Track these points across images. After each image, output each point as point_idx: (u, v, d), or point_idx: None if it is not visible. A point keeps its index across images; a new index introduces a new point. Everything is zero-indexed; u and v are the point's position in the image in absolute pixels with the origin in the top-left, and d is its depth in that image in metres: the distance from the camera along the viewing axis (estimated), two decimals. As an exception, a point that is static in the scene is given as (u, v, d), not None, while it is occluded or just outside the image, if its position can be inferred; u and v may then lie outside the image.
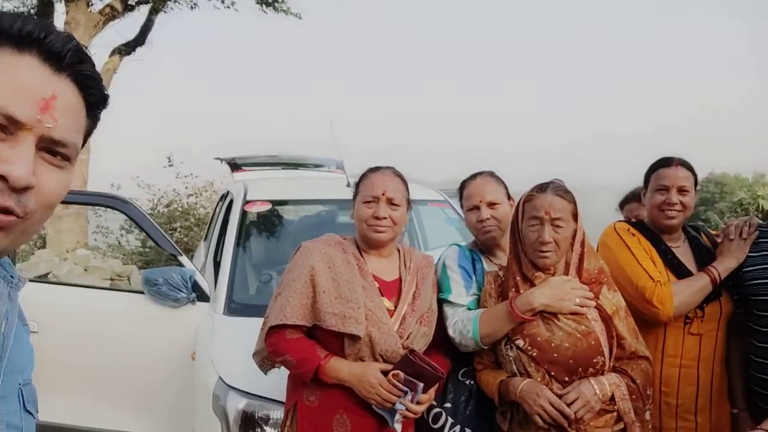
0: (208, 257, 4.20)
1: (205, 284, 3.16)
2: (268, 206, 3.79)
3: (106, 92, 0.81)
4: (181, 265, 3.23)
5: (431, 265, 2.27)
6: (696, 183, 2.33)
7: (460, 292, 2.18)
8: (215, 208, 5.50)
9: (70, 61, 0.73)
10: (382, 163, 2.23)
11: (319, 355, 1.96)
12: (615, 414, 1.90)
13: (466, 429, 2.09)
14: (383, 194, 2.09)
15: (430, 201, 4.25)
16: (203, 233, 7.03)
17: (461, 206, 2.47)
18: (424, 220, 4.65)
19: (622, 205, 3.10)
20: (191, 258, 4.21)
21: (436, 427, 2.12)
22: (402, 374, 1.87)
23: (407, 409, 1.90)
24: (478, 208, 2.30)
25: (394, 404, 1.88)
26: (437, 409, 2.14)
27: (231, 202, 3.95)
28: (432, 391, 1.99)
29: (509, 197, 2.40)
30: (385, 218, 2.07)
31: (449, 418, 2.11)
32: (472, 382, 2.18)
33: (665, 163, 2.33)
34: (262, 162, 5.29)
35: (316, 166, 5.54)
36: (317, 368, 1.93)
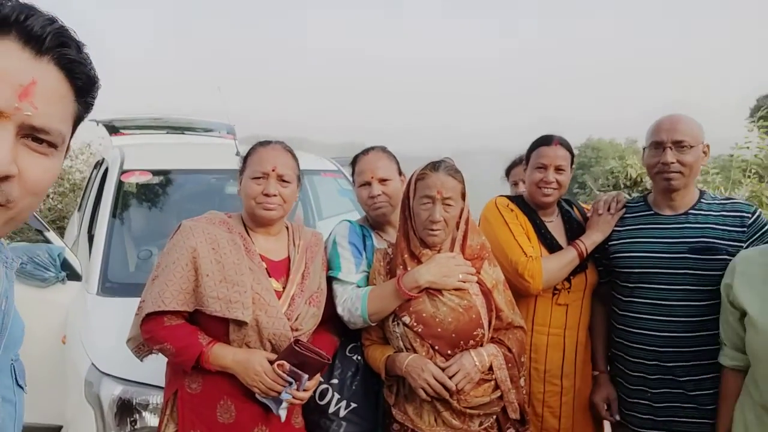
0: (81, 229, 3.87)
1: (76, 262, 2.92)
2: (148, 176, 3.53)
3: (95, 76, 0.78)
4: (48, 241, 2.94)
5: (321, 243, 2.24)
6: (572, 162, 2.46)
7: (350, 270, 2.18)
8: (89, 176, 5.06)
9: (52, 44, 0.70)
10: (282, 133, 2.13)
11: (201, 342, 1.87)
12: (493, 383, 2.01)
13: (352, 404, 2.12)
14: (273, 170, 2.01)
15: (323, 171, 4.19)
16: (79, 200, 6.48)
17: (353, 182, 2.45)
18: (318, 190, 4.59)
19: (508, 171, 3.18)
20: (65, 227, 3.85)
21: (322, 403, 2.13)
22: (287, 364, 1.85)
23: (293, 398, 1.89)
24: (369, 183, 2.29)
25: (279, 393, 1.86)
26: (324, 386, 2.15)
27: (107, 170, 3.64)
28: (318, 376, 1.99)
29: (400, 173, 2.41)
30: (275, 195, 2.00)
31: (336, 393, 2.13)
32: (359, 357, 2.20)
33: (545, 141, 2.44)
34: (144, 125, 4.90)
35: (206, 130, 5.25)
36: (199, 356, 1.85)
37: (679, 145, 2.15)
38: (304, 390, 1.91)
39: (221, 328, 1.90)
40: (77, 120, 0.80)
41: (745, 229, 2.12)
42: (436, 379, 1.92)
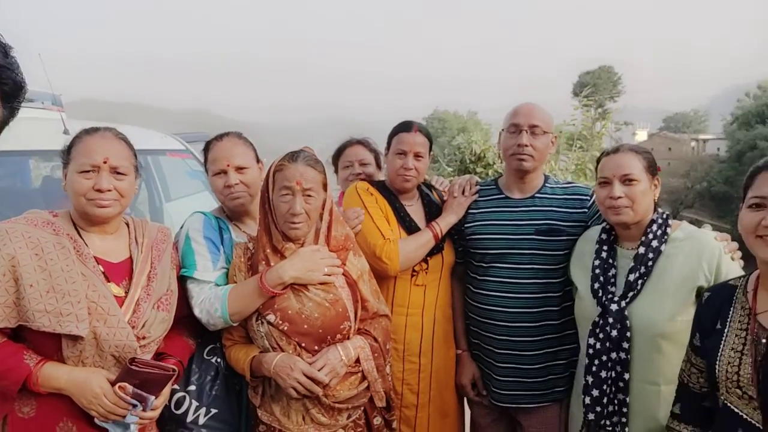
0: None
1: None
2: None
3: (21, 81, 0.78)
4: None
5: (168, 239, 2.03)
6: (431, 148, 2.50)
7: (207, 267, 2.02)
8: None
9: None
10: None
11: (28, 363, 1.63)
12: (360, 374, 2.00)
13: (212, 410, 2.00)
14: (105, 162, 1.77)
15: (169, 151, 3.84)
16: None
17: (205, 170, 2.25)
18: (165, 170, 4.23)
19: (339, 154, 3.01)
20: None
21: (178, 412, 1.98)
22: (129, 386, 1.66)
23: (141, 419, 1.72)
24: (225, 172, 2.14)
25: (123, 417, 1.67)
26: (180, 394, 2.00)
27: None
28: (168, 390, 1.83)
29: (258, 160, 2.27)
30: (109, 190, 1.77)
31: (193, 401, 1.99)
32: (219, 360, 2.07)
33: (405, 127, 2.45)
34: None
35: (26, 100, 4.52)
36: (27, 378, 1.60)
37: (533, 129, 2.29)
38: (153, 409, 1.74)
39: (53, 344, 1.66)
40: (3, 124, 0.80)
41: (586, 210, 2.32)
42: (307, 376, 1.87)
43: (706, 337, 1.62)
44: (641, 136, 48.45)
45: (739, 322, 1.56)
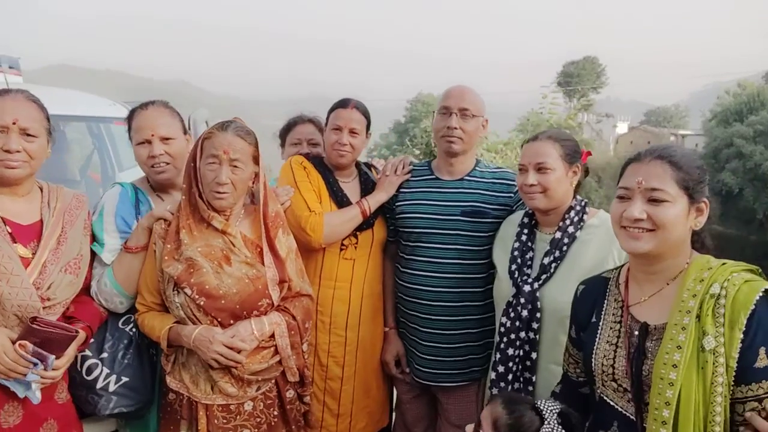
0: None
1: None
2: None
3: None
4: None
5: (83, 206, 2.03)
6: (369, 126, 2.49)
7: (114, 247, 2.05)
8: None
9: None
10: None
11: None
12: (273, 349, 2.01)
13: (122, 378, 1.99)
14: (14, 123, 1.76)
15: (117, 119, 3.77)
16: None
17: (129, 138, 2.21)
18: (117, 139, 4.15)
19: (287, 131, 2.97)
20: None
21: (89, 378, 1.98)
22: (30, 345, 1.67)
23: (42, 378, 1.72)
24: (150, 142, 2.11)
25: (24, 375, 1.67)
26: (93, 360, 1.99)
27: None
28: (72, 351, 1.83)
29: (185, 131, 2.24)
30: (18, 151, 1.77)
31: (105, 368, 1.99)
32: (134, 329, 2.07)
33: (342, 104, 2.45)
34: None
35: None
36: None
37: (463, 112, 2.31)
38: (54, 369, 1.74)
39: None
40: None
41: (512, 195, 2.35)
42: (229, 347, 1.88)
43: (583, 329, 1.65)
44: (622, 128, 48.86)
45: (613, 314, 1.58)
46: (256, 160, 2.01)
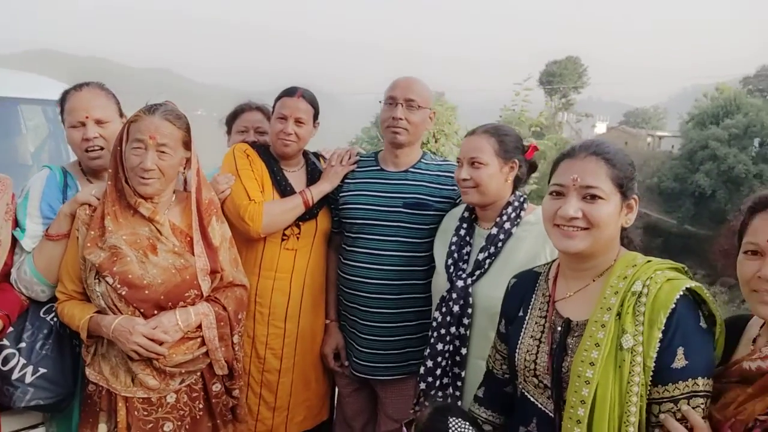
0: None
1: None
2: None
3: None
4: None
5: (8, 189, 1.94)
6: (317, 116, 2.43)
7: (36, 234, 1.96)
8: None
9: None
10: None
11: None
12: (199, 340, 1.94)
13: (40, 369, 1.92)
14: None
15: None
16: None
17: (62, 120, 2.13)
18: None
19: (233, 118, 2.88)
20: None
21: (5, 369, 1.90)
22: None
23: None
24: (83, 124, 2.04)
25: None
26: (10, 350, 1.92)
27: None
28: None
29: (121, 114, 2.16)
30: None
31: (21, 359, 1.91)
32: (55, 319, 1.99)
33: (289, 92, 2.39)
34: None
35: None
36: None
37: (409, 103, 2.26)
38: None
39: None
40: None
41: (456, 188, 2.30)
42: (149, 338, 1.81)
43: (510, 323, 1.62)
44: (600, 128, 49.43)
45: (540, 309, 1.55)
46: (187, 145, 1.94)
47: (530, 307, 1.57)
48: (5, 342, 1.90)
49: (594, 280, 1.47)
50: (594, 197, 1.40)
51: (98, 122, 2.05)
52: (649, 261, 1.43)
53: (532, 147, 2.13)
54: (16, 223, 1.96)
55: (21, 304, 1.92)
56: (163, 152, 1.86)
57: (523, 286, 1.63)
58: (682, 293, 1.34)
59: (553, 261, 1.63)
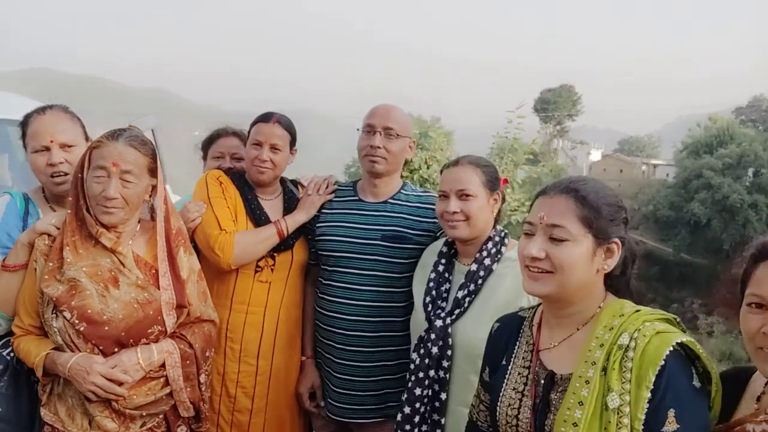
0: None
1: None
2: None
3: None
4: None
5: None
6: (293, 142, 2.35)
7: None
8: None
9: None
10: None
11: None
12: (163, 380, 1.83)
13: None
14: None
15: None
16: None
17: (24, 145, 2.04)
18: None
19: (209, 143, 2.79)
20: None
21: None
22: None
23: None
24: (48, 149, 1.96)
25: None
26: None
27: None
28: None
29: (87, 138, 2.08)
30: None
31: None
32: (12, 354, 1.87)
33: (264, 118, 2.31)
34: None
35: None
36: None
37: (387, 131, 2.19)
38: None
39: None
40: None
41: (436, 220, 2.21)
42: (107, 378, 1.70)
43: (494, 372, 1.50)
44: (595, 156, 49.79)
45: (523, 358, 1.43)
46: (153, 172, 1.86)
47: (513, 355, 1.46)
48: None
49: (578, 329, 1.36)
50: (557, 238, 1.30)
51: (63, 146, 1.98)
52: (637, 311, 1.31)
53: (503, 179, 2.06)
54: None
55: None
56: (127, 180, 1.77)
57: (507, 332, 1.51)
58: (672, 348, 1.21)
59: (538, 305, 1.52)
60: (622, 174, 44.68)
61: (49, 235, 1.83)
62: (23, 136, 2.03)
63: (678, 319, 1.34)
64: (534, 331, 1.45)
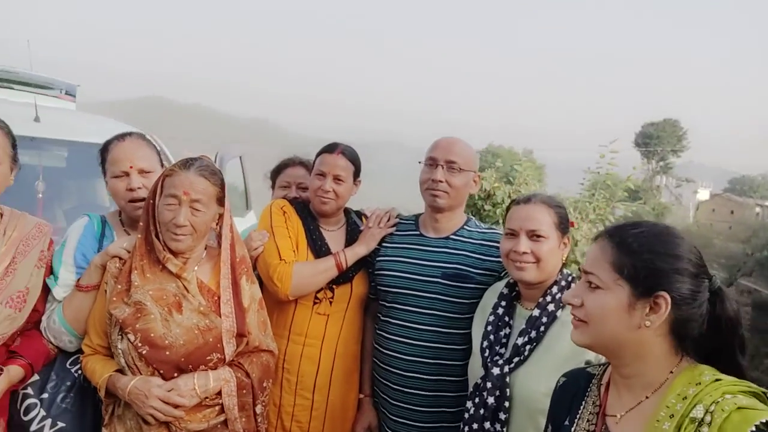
0: None
1: None
2: None
3: None
4: None
5: (44, 236, 1.97)
6: (357, 173, 2.35)
7: (68, 282, 1.96)
8: None
9: None
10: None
11: None
12: (219, 408, 1.84)
13: (58, 423, 1.88)
14: None
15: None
16: None
17: (103, 171, 2.16)
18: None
19: (278, 172, 2.85)
20: None
21: (25, 419, 1.88)
22: None
23: None
24: (127, 174, 2.05)
25: None
26: (32, 400, 1.90)
27: None
28: (2, 385, 1.74)
29: (163, 165, 2.18)
30: None
31: (42, 410, 1.88)
32: (80, 371, 1.96)
33: (329, 149, 2.32)
34: None
35: (41, 86, 4.57)
36: None
37: (450, 165, 2.12)
38: None
39: None
40: None
41: (500, 259, 2.10)
42: (165, 402, 1.74)
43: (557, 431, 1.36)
44: (703, 194, 46.38)
45: (588, 421, 1.28)
46: (220, 201, 1.91)
47: (578, 417, 1.31)
48: (29, 391, 1.89)
49: (647, 397, 1.21)
50: (594, 285, 1.22)
51: (142, 172, 2.06)
52: (717, 380, 1.12)
53: (571, 223, 1.92)
54: (51, 271, 1.98)
55: (48, 354, 1.92)
56: (196, 209, 1.83)
57: (573, 389, 1.37)
58: (755, 428, 1.02)
59: (608, 363, 1.37)
60: (733, 215, 41.24)
61: (120, 258, 1.93)
62: (102, 162, 2.13)
63: (766, 393, 1.14)
64: (602, 391, 1.30)
